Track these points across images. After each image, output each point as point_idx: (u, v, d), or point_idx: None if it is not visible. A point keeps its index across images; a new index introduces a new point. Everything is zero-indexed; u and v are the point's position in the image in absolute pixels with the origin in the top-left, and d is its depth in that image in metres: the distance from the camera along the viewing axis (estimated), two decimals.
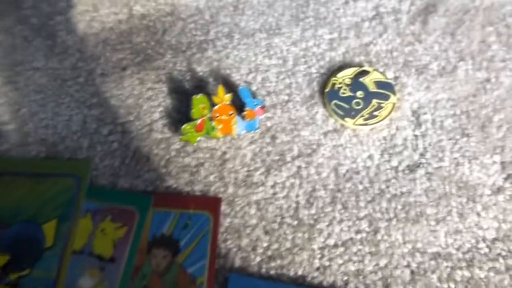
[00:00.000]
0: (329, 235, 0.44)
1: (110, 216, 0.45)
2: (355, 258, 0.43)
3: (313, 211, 0.45)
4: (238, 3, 0.58)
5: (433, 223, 0.44)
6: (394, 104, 0.49)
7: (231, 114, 0.48)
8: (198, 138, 0.48)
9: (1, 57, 0.55)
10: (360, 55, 0.53)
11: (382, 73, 0.51)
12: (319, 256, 0.43)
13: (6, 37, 0.56)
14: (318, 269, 0.43)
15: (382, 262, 0.43)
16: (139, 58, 0.55)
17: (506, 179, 0.46)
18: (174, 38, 0.56)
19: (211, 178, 0.47)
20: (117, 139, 0.50)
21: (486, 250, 0.43)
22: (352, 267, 0.43)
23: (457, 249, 0.43)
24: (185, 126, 0.47)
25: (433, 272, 0.42)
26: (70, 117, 0.51)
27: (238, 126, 0.48)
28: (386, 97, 0.50)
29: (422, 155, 0.47)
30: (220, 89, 0.48)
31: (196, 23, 0.57)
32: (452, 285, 0.42)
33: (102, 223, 0.45)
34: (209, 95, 0.48)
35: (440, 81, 0.51)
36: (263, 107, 0.49)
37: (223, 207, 0.45)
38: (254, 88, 0.52)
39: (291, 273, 0.43)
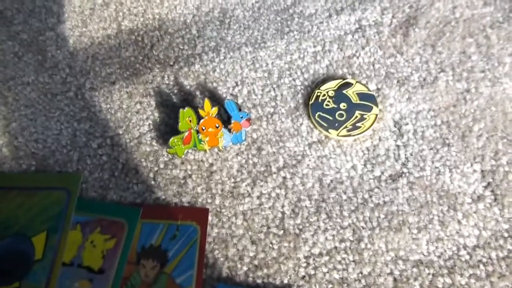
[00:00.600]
0: (314, 244, 0.46)
1: (100, 228, 0.46)
2: (339, 267, 0.44)
3: (298, 221, 0.47)
4: (224, 17, 0.60)
5: (415, 231, 0.46)
6: (376, 115, 0.51)
7: (218, 127, 0.49)
8: (186, 151, 0.49)
9: None
10: (343, 68, 0.55)
11: (365, 85, 0.53)
12: (304, 265, 0.45)
13: None
14: (303, 277, 0.44)
15: (366, 270, 0.44)
16: (127, 72, 0.56)
17: (486, 187, 0.48)
18: (162, 53, 0.57)
19: (199, 189, 0.48)
20: (106, 152, 0.51)
21: (467, 257, 0.45)
22: (336, 275, 0.44)
23: (439, 257, 0.45)
24: (173, 139, 0.49)
25: (415, 279, 0.44)
26: (60, 131, 0.53)
27: (224, 138, 0.50)
28: (368, 109, 0.52)
29: (404, 164, 0.49)
30: (207, 103, 0.49)
31: (183, 38, 0.58)
32: None
33: (91, 235, 0.46)
34: (196, 108, 0.50)
35: (421, 92, 0.53)
36: (249, 120, 0.50)
37: (210, 218, 0.47)
38: (240, 101, 0.53)
39: (277, 282, 0.44)
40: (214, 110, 0.50)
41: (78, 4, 0.62)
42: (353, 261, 0.45)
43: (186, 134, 0.49)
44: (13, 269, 0.44)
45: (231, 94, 0.54)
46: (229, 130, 0.50)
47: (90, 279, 0.44)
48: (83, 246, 0.45)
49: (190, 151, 0.50)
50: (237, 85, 0.55)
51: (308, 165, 0.49)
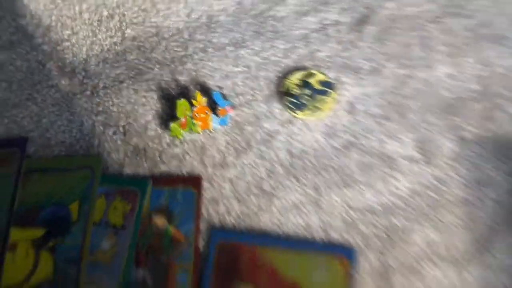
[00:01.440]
0: (285, 200, 0.63)
1: (120, 196, 0.64)
2: (304, 216, 0.62)
3: (272, 183, 0.64)
4: (211, 23, 0.77)
5: (362, 187, 0.63)
6: (334, 98, 0.68)
7: (208, 113, 0.66)
8: (183, 133, 0.66)
9: (22, 78, 0.74)
10: (308, 61, 0.72)
11: (325, 74, 0.70)
12: (277, 215, 0.62)
13: (23, 62, 0.75)
14: (277, 225, 0.61)
15: (325, 218, 0.61)
16: (133, 72, 0.73)
17: (418, 152, 0.65)
18: (160, 55, 0.74)
19: (194, 163, 0.66)
20: (120, 137, 0.68)
21: (403, 205, 0.62)
22: (302, 222, 0.61)
23: (380, 205, 0.62)
24: (173, 125, 0.66)
25: (362, 223, 0.61)
26: (82, 123, 0.70)
27: (213, 122, 0.67)
28: (328, 93, 0.68)
29: (355, 136, 0.66)
30: (198, 94, 0.66)
31: (177, 41, 0.75)
32: (374, 230, 0.60)
33: (113, 202, 0.63)
34: (189, 99, 0.66)
35: (371, 79, 0.70)
36: (232, 107, 0.67)
37: (205, 184, 0.64)
38: (225, 91, 0.70)
39: (257, 230, 0.61)
40: (204, 100, 0.66)
41: (87, 17, 0.78)
42: (315, 211, 0.62)
43: (183, 120, 0.66)
44: (56, 229, 0.61)
45: (218, 86, 0.71)
46: (217, 115, 0.66)
47: (115, 233, 0.61)
48: (108, 210, 0.63)
49: (186, 133, 0.67)
50: (222, 78, 0.71)
51: (280, 140, 0.66)
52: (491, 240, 0.59)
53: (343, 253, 0.57)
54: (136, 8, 0.78)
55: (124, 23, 0.77)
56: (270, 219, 0.61)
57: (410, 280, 0.58)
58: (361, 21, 0.75)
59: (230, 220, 0.62)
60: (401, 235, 0.60)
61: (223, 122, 0.67)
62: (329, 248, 0.58)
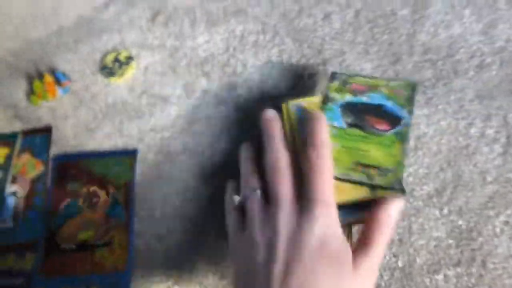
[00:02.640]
0: (104, 132, 1.04)
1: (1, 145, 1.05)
2: (114, 140, 1.03)
3: (95, 124, 1.05)
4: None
5: (149, 117, 1.05)
6: (134, 66, 1.09)
7: (55, 86, 1.07)
8: (41, 102, 1.07)
9: None
10: (119, 44, 1.13)
11: (128, 50, 1.11)
12: (100, 142, 1.03)
13: None
14: (99, 146, 1.03)
15: (124, 140, 1.03)
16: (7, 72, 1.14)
17: (183, 91, 1.06)
18: (31, 55, 1.15)
19: (50, 118, 1.07)
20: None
21: (171, 124, 1.04)
22: (119, 143, 1.03)
23: (165, 125, 1.03)
24: (32, 97, 1.07)
25: (148, 138, 1.03)
26: None
27: (58, 92, 1.08)
28: (130, 63, 1.10)
29: (146, 87, 1.08)
30: (47, 74, 1.07)
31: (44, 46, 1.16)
32: (157, 141, 1.02)
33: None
34: (42, 78, 1.07)
35: (158, 50, 1.11)
36: (69, 80, 1.08)
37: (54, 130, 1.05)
38: (66, 71, 1.11)
39: (84, 152, 1.03)
40: (51, 77, 1.07)
41: None
42: (120, 136, 1.03)
43: (39, 92, 1.07)
44: None
45: (62, 69, 1.12)
46: (61, 87, 1.08)
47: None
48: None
49: (43, 102, 1.08)
50: (65, 63, 1.12)
51: (102, 97, 1.08)
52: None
53: (131, 154, 0.99)
54: None
55: None
56: (94, 145, 1.03)
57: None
58: (154, 15, 1.16)
59: (67, 148, 1.03)
60: (170, 146, 1.02)
61: (65, 91, 1.08)
62: (123, 153, 1.00)
